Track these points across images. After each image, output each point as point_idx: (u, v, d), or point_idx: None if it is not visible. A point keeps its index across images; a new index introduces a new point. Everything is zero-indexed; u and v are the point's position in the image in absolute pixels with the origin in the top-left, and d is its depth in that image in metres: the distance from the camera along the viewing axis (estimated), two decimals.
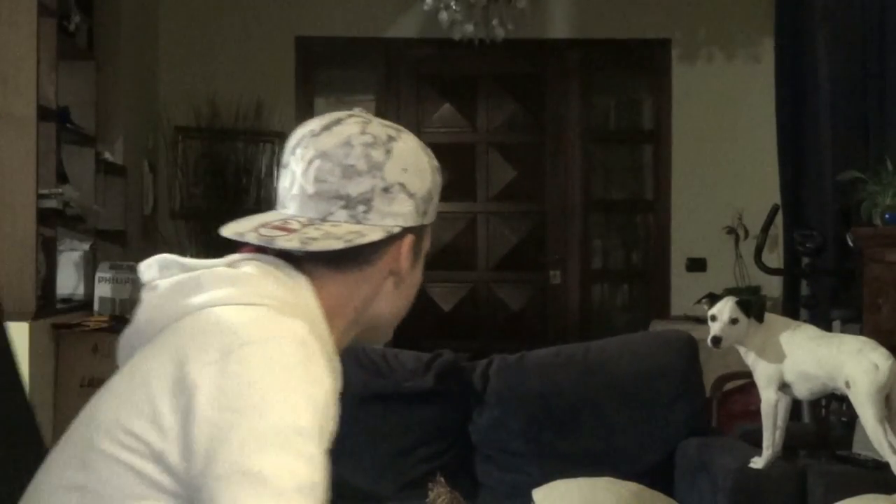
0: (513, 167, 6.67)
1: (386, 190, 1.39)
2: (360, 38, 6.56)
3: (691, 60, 6.56)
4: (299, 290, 1.38)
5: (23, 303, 4.12)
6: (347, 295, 1.42)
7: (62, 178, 4.61)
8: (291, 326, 1.30)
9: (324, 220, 1.39)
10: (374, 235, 1.39)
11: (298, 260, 1.40)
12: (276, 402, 1.22)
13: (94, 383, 4.43)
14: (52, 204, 4.34)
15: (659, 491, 3.23)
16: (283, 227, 1.39)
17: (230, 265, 1.40)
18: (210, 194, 6.22)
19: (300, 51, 6.54)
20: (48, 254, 4.37)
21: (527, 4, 5.06)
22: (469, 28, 5.19)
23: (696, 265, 6.51)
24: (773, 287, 6.30)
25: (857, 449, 3.66)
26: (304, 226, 1.38)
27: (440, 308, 6.65)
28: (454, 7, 5.07)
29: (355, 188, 1.39)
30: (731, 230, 6.38)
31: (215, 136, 6.25)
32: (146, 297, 1.41)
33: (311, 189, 1.39)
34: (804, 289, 5.54)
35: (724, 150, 6.51)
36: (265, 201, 6.39)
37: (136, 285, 4.72)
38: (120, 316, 4.64)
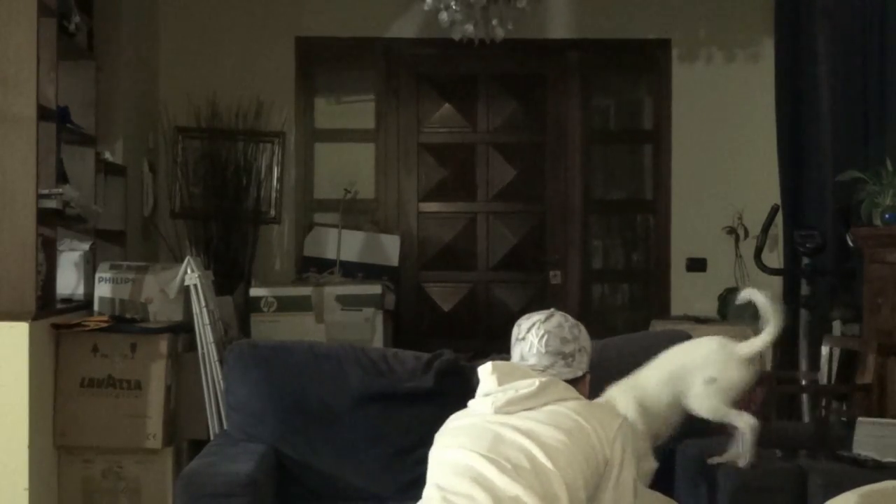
0: (513, 167, 6.67)
1: (580, 350, 2.76)
2: (360, 38, 6.56)
3: (691, 60, 6.56)
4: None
5: (23, 303, 4.12)
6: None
7: (62, 178, 4.61)
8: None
9: (552, 366, 2.71)
10: (579, 373, 2.76)
11: None
12: None
13: (93, 383, 4.43)
14: (52, 204, 4.33)
15: (659, 491, 3.23)
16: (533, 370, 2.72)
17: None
18: (210, 194, 6.22)
19: (300, 51, 6.54)
20: (48, 254, 4.36)
21: (527, 4, 5.05)
22: (469, 28, 5.17)
23: (696, 265, 6.51)
24: (773, 287, 6.30)
25: (857, 449, 3.66)
26: (545, 367, 2.72)
27: (440, 308, 6.65)
28: (454, 7, 5.06)
29: (567, 349, 2.74)
30: (731, 230, 6.38)
31: (215, 136, 6.25)
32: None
33: (543, 350, 2.73)
34: (804, 289, 5.54)
35: (724, 150, 6.51)
36: (265, 201, 6.40)
37: (136, 285, 4.73)
38: (120, 316, 4.64)
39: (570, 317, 2.80)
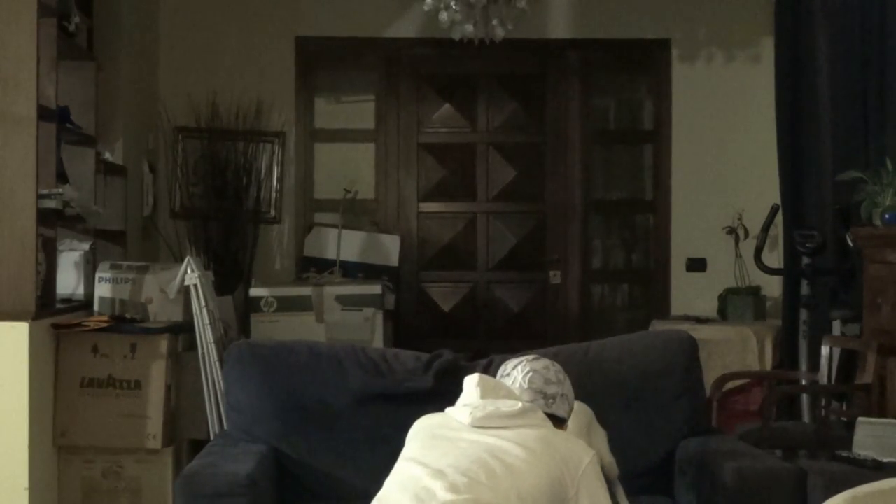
0: (513, 167, 6.67)
1: (562, 395, 2.78)
2: (360, 38, 6.57)
3: (691, 60, 6.56)
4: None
5: (23, 303, 4.12)
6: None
7: (62, 178, 4.61)
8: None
9: (532, 402, 2.71)
10: (560, 413, 2.77)
11: None
12: None
13: (93, 383, 4.43)
14: (52, 204, 4.34)
15: (659, 491, 3.23)
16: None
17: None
18: (210, 194, 6.22)
19: (300, 51, 6.54)
20: (48, 254, 4.37)
21: (527, 4, 5.05)
22: (469, 28, 5.17)
23: (696, 265, 6.51)
24: (773, 287, 6.30)
25: (857, 449, 3.67)
26: (522, 403, 2.68)
27: (440, 308, 6.65)
28: (454, 7, 5.05)
29: (550, 390, 2.77)
30: (731, 230, 6.38)
31: (215, 136, 6.25)
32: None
33: (526, 385, 2.76)
34: (804, 289, 5.54)
35: (724, 150, 6.51)
36: (265, 201, 6.40)
37: (136, 285, 4.74)
38: (120, 316, 4.64)
39: (558, 365, 2.84)
